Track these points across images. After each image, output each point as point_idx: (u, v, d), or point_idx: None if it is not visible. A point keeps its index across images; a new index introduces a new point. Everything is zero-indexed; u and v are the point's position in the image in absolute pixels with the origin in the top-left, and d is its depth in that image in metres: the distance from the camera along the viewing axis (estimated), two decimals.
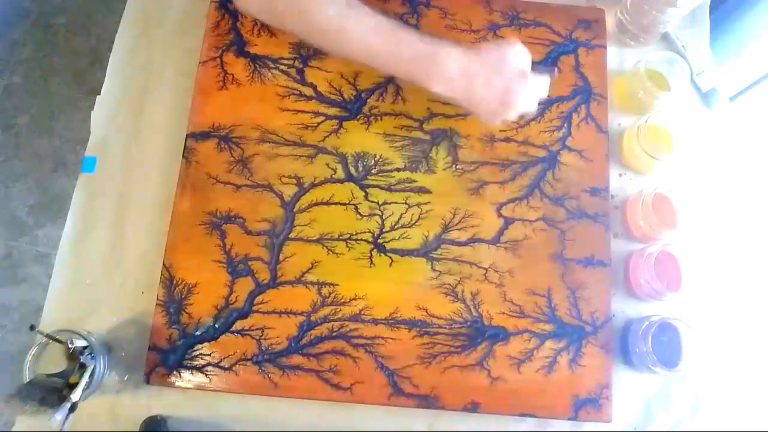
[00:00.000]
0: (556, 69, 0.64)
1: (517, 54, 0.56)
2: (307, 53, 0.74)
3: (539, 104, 0.62)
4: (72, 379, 0.56)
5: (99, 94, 0.75)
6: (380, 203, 0.69)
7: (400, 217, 0.69)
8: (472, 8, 0.77)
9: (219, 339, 0.65)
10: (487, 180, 0.71)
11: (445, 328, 0.66)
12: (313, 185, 0.70)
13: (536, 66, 0.61)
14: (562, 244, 0.69)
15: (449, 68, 0.54)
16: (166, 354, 0.64)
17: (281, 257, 0.67)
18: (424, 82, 0.55)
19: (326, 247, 0.68)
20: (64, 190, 1.50)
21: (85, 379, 0.56)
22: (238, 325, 0.65)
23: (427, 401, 0.64)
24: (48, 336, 0.56)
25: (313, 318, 0.65)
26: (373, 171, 0.70)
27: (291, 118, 0.72)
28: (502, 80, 0.55)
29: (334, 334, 0.65)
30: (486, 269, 0.68)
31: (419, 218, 0.69)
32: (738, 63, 0.85)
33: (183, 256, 0.67)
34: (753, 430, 0.68)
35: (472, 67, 0.54)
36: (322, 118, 0.72)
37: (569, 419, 0.64)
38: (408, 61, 0.54)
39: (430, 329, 0.66)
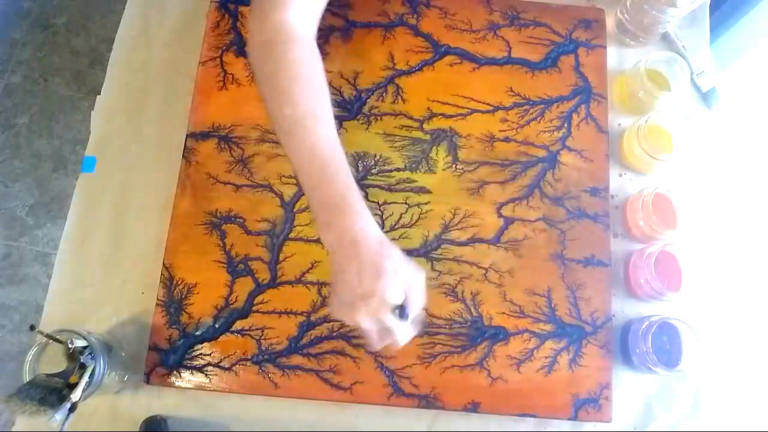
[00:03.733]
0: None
1: (406, 285, 0.49)
2: None
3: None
4: (72, 379, 0.56)
5: (99, 94, 0.75)
6: (380, 203, 0.69)
7: (400, 217, 0.69)
8: (472, 8, 0.77)
9: (219, 339, 0.65)
10: (487, 180, 0.71)
11: (445, 328, 0.66)
12: None
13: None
14: (562, 244, 0.69)
15: (346, 231, 0.49)
16: (166, 354, 0.64)
17: (281, 257, 0.67)
18: (319, 227, 0.51)
19: None
20: (64, 190, 1.50)
21: (85, 379, 0.56)
22: (238, 325, 0.65)
23: (427, 401, 0.64)
24: (48, 336, 0.56)
25: (313, 318, 0.65)
26: (373, 171, 0.70)
27: None
28: (370, 285, 0.47)
29: (334, 334, 0.65)
30: (486, 269, 0.68)
31: (419, 218, 0.69)
32: (738, 63, 0.85)
33: (183, 256, 0.67)
34: (753, 430, 0.68)
35: (361, 249, 0.48)
36: None
37: (569, 419, 0.64)
38: (318, 202, 0.50)
39: (430, 329, 0.66)
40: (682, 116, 0.75)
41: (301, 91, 0.53)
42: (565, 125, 0.73)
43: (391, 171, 0.71)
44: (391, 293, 0.47)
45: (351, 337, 0.65)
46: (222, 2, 0.76)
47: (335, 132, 0.53)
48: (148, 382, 0.63)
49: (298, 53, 0.54)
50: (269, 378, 0.63)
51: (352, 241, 0.48)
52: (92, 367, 0.57)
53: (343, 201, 0.50)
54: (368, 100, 0.73)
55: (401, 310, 0.48)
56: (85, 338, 0.58)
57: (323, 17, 0.58)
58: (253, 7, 0.57)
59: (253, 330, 0.65)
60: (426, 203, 0.70)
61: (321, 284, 0.66)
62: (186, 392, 0.64)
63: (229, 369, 0.64)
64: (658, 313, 0.66)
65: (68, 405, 0.54)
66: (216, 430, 0.64)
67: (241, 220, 0.68)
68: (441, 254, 0.68)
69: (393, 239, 0.68)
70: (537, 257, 0.68)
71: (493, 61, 0.75)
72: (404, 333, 0.50)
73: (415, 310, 0.50)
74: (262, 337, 0.65)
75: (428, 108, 0.73)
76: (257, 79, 0.56)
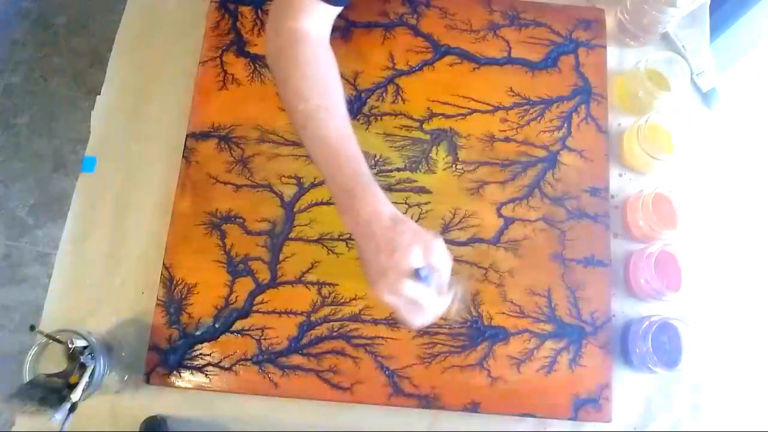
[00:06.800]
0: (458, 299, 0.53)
1: (423, 251, 0.49)
2: None
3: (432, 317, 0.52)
4: (72, 379, 0.56)
5: (99, 94, 0.75)
6: None
7: None
8: (472, 8, 0.77)
9: (219, 339, 0.65)
10: (487, 180, 0.71)
11: (445, 328, 0.66)
12: (313, 185, 0.70)
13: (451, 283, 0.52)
14: (562, 244, 0.69)
15: (359, 214, 0.51)
16: (166, 354, 0.64)
17: (281, 257, 0.67)
18: (339, 213, 0.53)
19: (326, 247, 0.68)
20: (64, 190, 1.50)
21: (85, 379, 0.56)
22: (238, 325, 0.65)
23: (427, 401, 0.64)
24: (48, 336, 0.56)
25: (313, 318, 0.65)
26: (373, 171, 0.70)
27: None
28: (386, 261, 0.49)
29: (334, 334, 0.65)
30: (486, 269, 0.68)
31: (419, 218, 0.69)
32: (738, 63, 0.84)
33: (183, 256, 0.67)
34: (753, 430, 0.68)
35: (375, 228, 0.50)
36: None
37: (569, 419, 0.64)
38: (335, 188, 0.53)
39: (430, 329, 0.66)
40: (682, 116, 0.75)
41: (312, 87, 0.56)
42: (565, 125, 0.73)
43: (391, 171, 0.71)
44: (407, 264, 0.49)
45: (351, 337, 0.65)
46: (222, 2, 0.76)
47: (347, 122, 0.56)
48: (148, 382, 0.63)
49: (309, 54, 0.58)
50: (269, 378, 0.63)
51: (366, 222, 0.51)
52: (92, 367, 0.57)
53: (355, 186, 0.52)
54: (368, 100, 0.73)
55: (417, 273, 0.49)
56: (85, 338, 0.58)
57: None
58: (270, 15, 0.61)
59: (253, 330, 0.65)
60: (426, 203, 0.70)
61: (321, 284, 0.66)
62: (186, 392, 0.64)
63: (229, 369, 0.64)
64: (658, 313, 0.66)
65: (68, 405, 0.54)
66: (216, 430, 0.64)
67: (241, 220, 0.68)
68: None
69: None
70: (537, 257, 0.68)
71: (493, 61, 0.75)
72: (433, 301, 0.50)
73: (442, 273, 0.51)
74: (262, 337, 0.65)
75: (428, 108, 0.73)
76: (275, 81, 0.60)
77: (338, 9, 0.61)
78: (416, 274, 0.49)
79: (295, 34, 0.58)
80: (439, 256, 0.50)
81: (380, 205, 0.52)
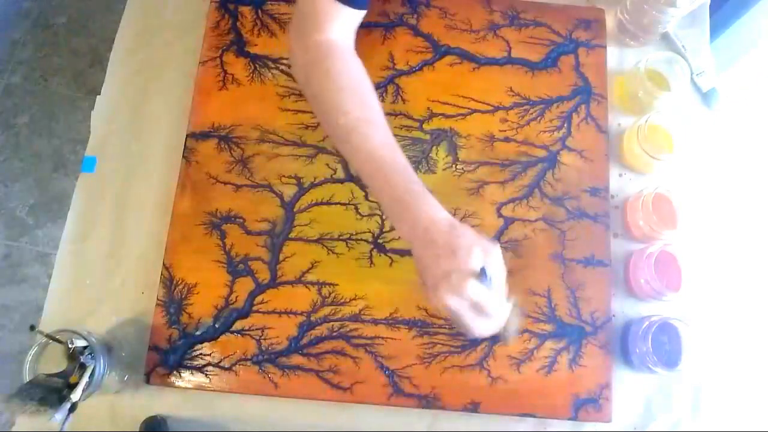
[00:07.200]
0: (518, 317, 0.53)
1: (481, 255, 0.49)
2: None
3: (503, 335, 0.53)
4: (72, 379, 0.56)
5: (99, 94, 0.75)
6: None
7: None
8: (472, 8, 0.77)
9: (219, 339, 0.65)
10: (487, 180, 0.71)
11: (445, 328, 0.66)
12: (313, 185, 0.70)
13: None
14: (562, 244, 0.69)
15: (416, 222, 0.51)
16: (166, 354, 0.64)
17: (281, 257, 0.67)
18: (393, 222, 0.54)
19: (326, 247, 0.68)
20: (64, 190, 1.50)
21: (85, 379, 0.56)
22: (238, 325, 0.65)
23: (427, 401, 0.64)
24: (48, 336, 0.56)
25: (313, 318, 0.65)
26: None
27: (291, 118, 0.72)
28: (447, 264, 0.49)
29: (334, 334, 0.65)
30: None
31: None
32: (738, 63, 0.85)
33: (183, 256, 0.67)
34: (753, 430, 0.68)
35: (433, 234, 0.50)
36: None
37: (569, 419, 0.64)
38: (386, 199, 0.53)
39: (430, 329, 0.66)
40: (682, 116, 0.75)
41: (350, 100, 0.56)
42: (565, 125, 0.73)
43: None
44: (470, 264, 0.48)
45: (351, 337, 0.65)
46: (222, 2, 0.76)
47: (389, 131, 0.56)
48: (148, 382, 0.63)
49: (341, 66, 0.58)
50: (269, 378, 0.63)
51: (424, 229, 0.51)
52: (92, 367, 0.57)
53: (407, 195, 0.52)
54: None
55: (482, 273, 0.48)
56: (85, 338, 0.58)
57: None
58: (294, 30, 0.60)
59: (253, 330, 0.65)
60: None
61: (321, 284, 0.66)
62: (186, 392, 0.64)
63: (229, 369, 0.64)
64: (658, 313, 0.66)
65: (68, 405, 0.54)
66: (216, 430, 0.64)
67: (241, 220, 0.68)
68: None
69: (393, 239, 0.68)
70: (537, 257, 0.68)
71: (493, 61, 0.75)
72: (495, 303, 0.49)
73: (497, 280, 0.50)
74: (262, 337, 0.65)
75: (428, 108, 0.73)
76: (308, 97, 0.60)
77: (362, 13, 0.61)
78: (479, 276, 0.48)
79: (325, 47, 0.58)
80: (495, 261, 0.50)
81: (436, 211, 0.52)
